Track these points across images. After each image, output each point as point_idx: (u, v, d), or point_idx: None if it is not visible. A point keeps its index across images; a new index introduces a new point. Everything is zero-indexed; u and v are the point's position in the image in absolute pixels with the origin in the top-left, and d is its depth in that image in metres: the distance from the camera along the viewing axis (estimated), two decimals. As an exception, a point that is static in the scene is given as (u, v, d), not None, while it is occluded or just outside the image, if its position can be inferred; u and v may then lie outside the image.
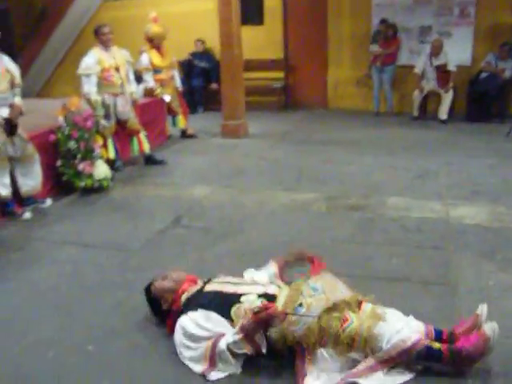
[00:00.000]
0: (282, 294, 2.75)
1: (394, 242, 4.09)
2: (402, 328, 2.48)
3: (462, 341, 2.43)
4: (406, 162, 6.43)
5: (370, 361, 2.45)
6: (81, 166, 5.28)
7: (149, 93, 7.58)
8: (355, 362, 2.49)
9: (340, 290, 2.69)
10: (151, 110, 7.41)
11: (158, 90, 7.61)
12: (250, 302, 2.67)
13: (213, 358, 2.53)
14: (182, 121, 8.16)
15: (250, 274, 3.19)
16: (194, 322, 2.64)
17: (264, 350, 2.52)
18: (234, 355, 2.53)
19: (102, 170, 5.47)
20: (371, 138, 8.03)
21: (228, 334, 2.55)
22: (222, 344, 2.51)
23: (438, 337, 2.61)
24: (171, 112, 8.03)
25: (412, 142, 7.62)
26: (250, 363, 2.59)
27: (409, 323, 2.62)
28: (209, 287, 2.88)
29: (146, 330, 2.97)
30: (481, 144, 7.40)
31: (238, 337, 2.47)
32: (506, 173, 5.88)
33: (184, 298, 2.87)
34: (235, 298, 2.72)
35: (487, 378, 2.47)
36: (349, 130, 8.60)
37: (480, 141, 7.60)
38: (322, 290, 2.68)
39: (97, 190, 5.41)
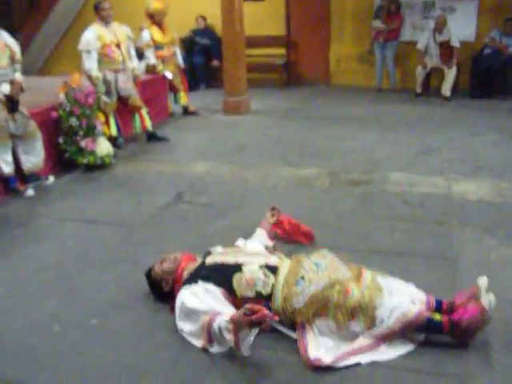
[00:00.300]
0: (284, 265, 2.77)
1: (397, 217, 4.09)
2: (402, 301, 2.50)
3: (460, 312, 2.44)
4: (408, 138, 6.41)
5: (372, 337, 2.47)
6: (83, 143, 5.27)
7: (150, 69, 7.52)
8: (355, 335, 2.51)
9: (341, 270, 2.70)
10: (153, 87, 7.37)
11: (160, 67, 7.55)
12: (252, 272, 2.69)
13: (209, 335, 2.52)
14: (183, 98, 8.11)
15: (240, 243, 3.21)
16: (193, 295, 2.64)
17: (245, 352, 2.36)
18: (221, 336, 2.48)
19: (104, 147, 5.46)
20: (374, 114, 8.00)
21: (223, 314, 2.48)
22: (216, 325, 2.45)
23: (439, 307, 2.64)
24: (173, 89, 7.98)
25: (415, 119, 7.60)
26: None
27: (410, 292, 2.66)
28: (209, 260, 2.89)
29: (149, 303, 2.99)
30: (484, 120, 7.36)
31: (228, 325, 2.38)
32: (509, 149, 5.88)
33: (185, 275, 2.88)
34: (236, 268, 2.73)
35: (488, 349, 2.49)
36: (351, 107, 8.56)
37: (483, 117, 7.57)
38: (324, 267, 2.69)
39: (99, 166, 5.41)
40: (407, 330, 2.45)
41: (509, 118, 7.45)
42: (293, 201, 4.49)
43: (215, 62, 10.34)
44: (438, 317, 2.46)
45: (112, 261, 3.50)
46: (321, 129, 7.05)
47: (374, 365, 2.42)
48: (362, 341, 2.49)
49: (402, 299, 2.51)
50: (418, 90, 9.32)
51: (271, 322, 2.24)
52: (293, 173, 5.23)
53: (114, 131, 6.11)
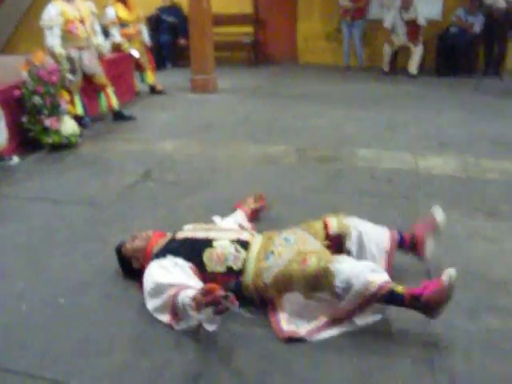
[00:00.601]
0: (255, 241, 2.76)
1: (364, 192, 4.13)
2: (362, 270, 2.44)
3: (422, 288, 2.41)
4: (376, 116, 6.46)
5: (341, 311, 2.48)
6: (47, 122, 5.16)
7: (116, 48, 7.40)
8: (323, 310, 2.52)
9: (311, 243, 2.72)
10: (119, 66, 7.25)
11: (126, 45, 7.44)
12: (223, 247, 2.68)
13: (174, 310, 2.49)
14: (150, 76, 8.02)
15: (217, 220, 3.21)
16: (161, 268, 2.62)
17: (209, 329, 2.34)
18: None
19: (69, 126, 5.36)
20: (341, 92, 8.03)
21: (189, 289, 2.44)
22: (180, 300, 2.41)
23: (402, 242, 2.83)
24: (139, 68, 7.87)
25: (382, 96, 7.65)
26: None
27: (377, 233, 2.84)
28: (179, 235, 2.87)
29: (117, 280, 2.97)
30: (450, 97, 7.47)
31: (191, 303, 2.35)
32: (474, 125, 5.98)
33: (155, 250, 2.86)
34: (207, 243, 2.72)
35: (453, 319, 2.54)
36: (319, 85, 8.58)
37: (449, 94, 7.67)
38: (294, 242, 2.70)
39: (65, 146, 5.31)
40: (372, 302, 2.43)
41: (474, 95, 7.58)
42: (261, 178, 4.49)
43: (182, 41, 10.20)
44: (400, 289, 2.42)
45: (79, 240, 3.46)
46: (288, 106, 7.05)
47: (343, 334, 2.46)
48: (331, 315, 2.50)
49: (363, 269, 2.45)
50: (386, 69, 9.38)
51: (226, 303, 2.20)
52: (261, 150, 5.22)
53: (79, 110, 6.00)
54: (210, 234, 2.80)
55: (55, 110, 5.23)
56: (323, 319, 2.51)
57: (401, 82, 8.69)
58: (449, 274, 2.37)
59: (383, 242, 2.82)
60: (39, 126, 5.17)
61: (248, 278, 2.61)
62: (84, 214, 3.85)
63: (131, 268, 2.95)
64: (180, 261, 2.65)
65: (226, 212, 3.49)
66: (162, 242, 2.90)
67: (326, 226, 2.85)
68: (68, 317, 2.66)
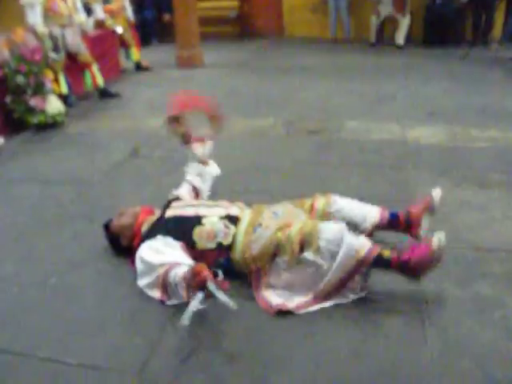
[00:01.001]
0: (245, 216, 2.74)
1: (353, 163, 4.12)
2: (347, 235, 2.42)
3: (409, 252, 2.41)
4: (363, 87, 6.43)
5: (328, 287, 2.45)
6: (32, 102, 5.09)
7: (99, 25, 7.27)
8: (311, 283, 2.49)
9: (298, 216, 2.71)
10: (103, 43, 7.14)
11: (109, 22, 7.32)
12: (212, 223, 2.66)
13: (165, 287, 2.50)
14: (135, 53, 7.92)
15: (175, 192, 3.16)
16: (152, 250, 2.61)
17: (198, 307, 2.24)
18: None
19: (54, 106, 5.29)
20: (329, 64, 7.98)
21: (180, 267, 2.43)
22: (171, 278, 2.43)
23: (396, 220, 2.78)
24: (124, 44, 7.77)
25: (369, 68, 7.61)
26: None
27: (365, 209, 2.82)
28: (169, 212, 2.84)
29: (107, 259, 2.95)
30: (437, 68, 7.44)
31: (182, 282, 2.37)
32: (461, 95, 5.97)
33: (144, 229, 2.84)
34: (196, 221, 2.69)
35: (444, 287, 2.56)
36: (306, 57, 8.51)
37: (436, 65, 7.65)
38: (281, 215, 2.69)
39: (51, 126, 5.25)
40: (361, 268, 2.41)
41: (461, 65, 7.56)
42: (249, 151, 4.48)
43: (167, 16, 10.07)
44: (387, 253, 2.43)
45: (68, 219, 3.43)
46: (275, 80, 7.00)
47: (333, 305, 2.47)
48: (320, 292, 2.47)
49: (348, 234, 2.43)
50: (372, 40, 9.32)
51: (213, 290, 2.17)
52: (248, 123, 5.19)
53: (64, 89, 5.91)
54: (199, 211, 2.77)
55: (39, 90, 5.15)
56: (311, 295, 2.50)
57: (388, 53, 8.65)
58: (438, 237, 2.38)
59: (372, 218, 2.82)
60: (24, 106, 5.10)
61: (237, 252, 2.60)
62: (72, 193, 3.81)
63: (120, 245, 2.94)
64: (170, 240, 2.63)
65: (213, 187, 3.46)
66: (150, 220, 2.88)
67: (311, 209, 2.83)
68: (60, 296, 2.65)
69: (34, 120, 5.13)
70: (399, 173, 3.92)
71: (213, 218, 2.69)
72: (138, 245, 2.74)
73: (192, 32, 7.87)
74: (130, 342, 2.31)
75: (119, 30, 7.43)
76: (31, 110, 5.11)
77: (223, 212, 2.76)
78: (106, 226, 2.99)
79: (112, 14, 7.40)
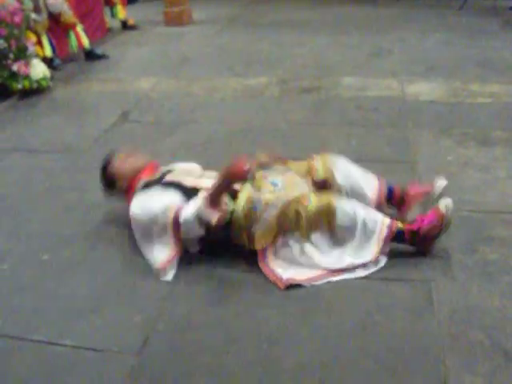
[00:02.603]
0: (243, 189, 2.54)
1: (351, 123, 4.01)
2: (364, 209, 2.42)
3: (418, 222, 2.40)
4: (358, 41, 6.24)
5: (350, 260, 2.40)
6: (15, 67, 4.87)
7: (82, -18, 6.99)
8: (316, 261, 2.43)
9: (299, 185, 2.58)
10: (86, 2, 6.82)
11: (92, -22, 7.02)
12: None
13: (178, 230, 2.41)
14: (121, 11, 7.60)
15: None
16: (150, 196, 2.52)
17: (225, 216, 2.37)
18: (200, 224, 2.37)
19: (39, 70, 5.07)
20: (323, 17, 7.72)
21: (189, 204, 2.39)
22: (188, 212, 2.35)
23: (390, 195, 2.66)
24: (109, 2, 7.45)
25: (364, 20, 7.37)
26: (212, 256, 2.56)
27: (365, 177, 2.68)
28: (169, 177, 2.69)
29: (101, 231, 2.85)
30: (434, 19, 7.22)
31: (205, 204, 2.32)
32: (460, 48, 5.80)
33: (141, 183, 2.70)
34: (195, 193, 2.53)
35: (448, 252, 2.50)
36: (298, 11, 8.24)
37: (433, 16, 7.42)
38: (281, 186, 2.55)
39: (36, 91, 5.04)
40: (387, 243, 2.40)
41: (458, 16, 7.33)
42: (242, 112, 4.34)
43: (152, -29, 9.71)
44: (401, 225, 2.42)
45: (58, 190, 3.31)
46: (268, 35, 6.78)
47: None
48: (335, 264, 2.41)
49: (364, 208, 2.42)
50: (366, -10, 9.04)
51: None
52: (241, 83, 5.02)
53: (48, 51, 5.68)
54: (200, 183, 2.62)
55: (22, 54, 4.93)
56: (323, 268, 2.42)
57: (383, 5, 8.37)
58: (445, 203, 2.37)
59: (370, 190, 2.66)
60: (6, 72, 4.87)
61: (236, 229, 2.47)
62: (61, 163, 3.69)
63: (111, 187, 2.82)
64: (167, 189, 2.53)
65: (208, 150, 3.35)
66: (148, 179, 2.72)
67: (311, 171, 2.66)
68: (53, 274, 2.56)
69: (18, 86, 4.91)
70: (399, 132, 3.81)
71: None
72: (131, 199, 2.62)
73: (180, -13, 7.59)
74: (127, 321, 2.23)
75: (103, -14, 7.14)
76: (14, 76, 4.89)
77: None
78: (106, 162, 2.87)
79: (95, -30, 7.10)
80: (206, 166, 2.94)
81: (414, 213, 2.60)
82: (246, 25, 7.55)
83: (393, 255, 2.47)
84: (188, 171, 2.83)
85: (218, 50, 6.30)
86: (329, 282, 2.36)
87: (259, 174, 2.63)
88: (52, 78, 5.25)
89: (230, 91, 4.84)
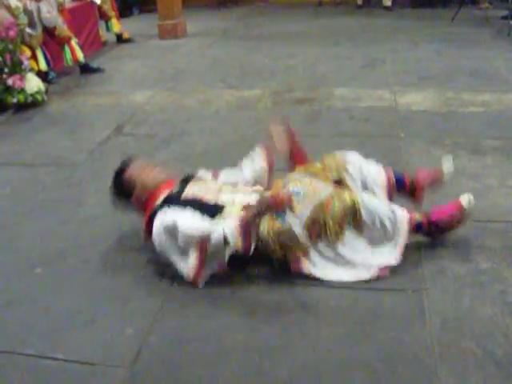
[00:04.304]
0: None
1: (344, 133, 4.03)
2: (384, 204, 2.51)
3: (437, 212, 2.52)
4: (351, 52, 6.29)
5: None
6: (10, 81, 4.90)
7: (76, -4, 7.04)
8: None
9: (320, 189, 2.56)
10: (81, 15, 6.90)
11: (87, -7, 7.07)
12: (233, 215, 2.45)
13: (203, 251, 2.35)
14: (115, 25, 7.67)
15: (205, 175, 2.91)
16: (176, 215, 2.41)
17: (251, 251, 2.39)
18: (225, 244, 2.34)
19: (34, 84, 5.11)
20: (315, 29, 7.80)
21: (218, 228, 2.33)
22: (216, 235, 2.30)
23: (401, 185, 2.70)
24: (103, 16, 7.51)
25: (357, 31, 7.45)
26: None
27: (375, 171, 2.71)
28: (188, 191, 2.62)
29: (94, 245, 2.85)
30: (426, 29, 7.31)
31: (236, 228, 2.30)
32: (452, 58, 5.86)
33: (160, 199, 2.59)
34: (216, 211, 2.49)
35: (443, 262, 2.51)
36: (291, 23, 8.32)
37: (425, 26, 7.51)
38: (303, 194, 2.52)
39: (31, 105, 5.07)
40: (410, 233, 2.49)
41: (450, 27, 7.42)
42: (236, 124, 4.37)
43: (147, -16, 9.77)
44: (418, 217, 2.51)
45: (53, 204, 3.32)
46: (261, 47, 6.84)
47: (331, 286, 2.40)
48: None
49: (389, 207, 2.49)
50: (359, 2, 9.15)
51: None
52: (234, 95, 5.06)
53: (42, 65, 5.72)
54: (220, 198, 2.57)
55: (17, 68, 4.96)
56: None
57: (375, 16, 8.47)
58: (468, 198, 2.51)
59: (381, 181, 2.70)
60: (1, 86, 4.89)
61: (265, 242, 2.44)
62: (56, 176, 3.70)
63: (126, 195, 2.69)
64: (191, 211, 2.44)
65: (201, 163, 3.35)
66: (168, 193, 2.65)
67: (326, 172, 2.69)
68: (47, 287, 2.55)
69: (13, 100, 4.94)
70: (391, 141, 3.84)
71: (233, 208, 2.51)
72: (148, 217, 2.53)
73: (174, 1, 7.64)
74: (119, 334, 2.23)
75: (97, 0, 7.18)
76: (9, 90, 4.92)
77: (244, 201, 2.56)
78: (122, 168, 2.73)
79: (89, -16, 7.15)
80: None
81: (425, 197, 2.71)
82: (240, 37, 7.60)
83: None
84: (205, 183, 2.75)
85: (211, 62, 6.34)
86: (317, 292, 2.38)
87: (277, 183, 2.66)
88: (47, 92, 5.28)
89: (223, 103, 4.87)
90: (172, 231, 2.39)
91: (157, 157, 3.84)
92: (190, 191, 2.62)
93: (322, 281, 2.43)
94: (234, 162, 3.58)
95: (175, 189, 2.67)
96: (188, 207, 2.45)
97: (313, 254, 2.48)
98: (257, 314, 2.28)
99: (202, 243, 2.34)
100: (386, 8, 8.78)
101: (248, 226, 2.35)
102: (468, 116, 4.17)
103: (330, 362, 2.01)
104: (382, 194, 2.65)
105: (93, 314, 2.35)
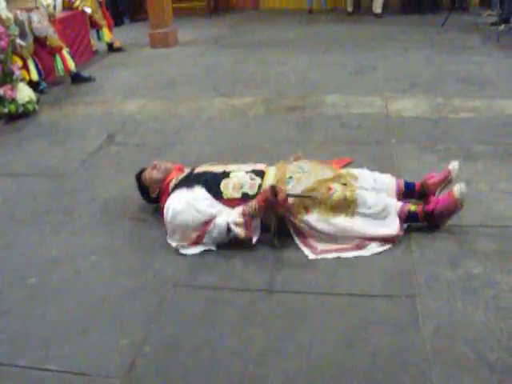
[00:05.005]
0: (270, 170, 2.93)
1: (336, 140, 4.04)
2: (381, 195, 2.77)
3: (433, 203, 2.72)
4: (342, 59, 6.32)
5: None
6: (1, 91, 4.89)
7: (67, 6, 7.03)
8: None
9: (324, 170, 2.88)
10: (72, 25, 6.90)
11: (78, 2, 7.06)
12: (239, 177, 2.85)
13: (202, 234, 2.71)
14: (107, 34, 7.66)
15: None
16: (184, 200, 2.74)
17: (254, 240, 2.69)
18: (228, 233, 2.69)
19: (25, 94, 5.09)
20: (306, 36, 7.84)
21: (224, 214, 2.70)
22: (221, 220, 2.67)
23: (411, 190, 2.95)
24: (94, 25, 7.51)
25: (347, 38, 7.49)
26: (198, 276, 2.60)
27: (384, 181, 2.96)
28: (198, 169, 3.02)
29: (87, 254, 2.84)
30: (416, 36, 7.35)
31: (239, 219, 2.64)
32: (442, 63, 5.89)
33: (172, 184, 2.96)
34: (224, 175, 2.87)
35: (435, 268, 2.52)
36: (282, 30, 8.35)
37: (415, 32, 7.55)
38: (308, 169, 2.87)
39: (22, 115, 5.05)
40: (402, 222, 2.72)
41: (440, 33, 7.45)
42: (228, 132, 4.38)
43: (137, -7, 9.78)
44: (413, 208, 2.74)
45: (44, 214, 3.31)
46: (252, 55, 6.86)
47: (324, 292, 2.41)
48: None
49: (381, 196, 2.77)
50: (349, 9, 9.18)
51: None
52: (227, 103, 5.06)
53: (34, 75, 5.70)
54: (227, 168, 2.97)
55: (8, 78, 4.95)
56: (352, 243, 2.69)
57: (366, 23, 8.52)
58: (459, 187, 2.67)
59: (389, 183, 2.97)
60: (-8, 96, 4.91)
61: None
62: (47, 186, 3.68)
63: (149, 195, 3.10)
64: (198, 190, 2.77)
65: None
66: (179, 176, 3.01)
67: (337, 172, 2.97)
68: (40, 298, 2.54)
69: (4, 110, 4.93)
70: (383, 148, 3.85)
71: (239, 173, 2.88)
72: (166, 198, 2.87)
73: (165, 9, 7.66)
74: (114, 344, 2.22)
75: (88, 10, 7.18)
76: (0, 100, 4.90)
77: (249, 168, 2.96)
78: (139, 175, 3.13)
79: (80, -7, 7.15)
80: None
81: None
82: (231, 45, 7.63)
83: (377, 271, 2.50)
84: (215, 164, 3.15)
85: (203, 70, 6.35)
86: (310, 296, 2.38)
87: (285, 162, 3.04)
88: (38, 102, 5.27)
89: (215, 111, 4.88)
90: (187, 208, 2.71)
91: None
92: (200, 168, 3.04)
93: (314, 288, 2.43)
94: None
95: (186, 170, 3.08)
96: (200, 185, 2.80)
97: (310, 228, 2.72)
98: (251, 322, 2.27)
99: (206, 224, 2.69)
100: (376, 15, 8.83)
101: (250, 218, 2.65)
102: (459, 122, 4.19)
103: (324, 368, 2.01)
104: (390, 193, 2.91)
105: (86, 325, 2.34)
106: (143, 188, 3.12)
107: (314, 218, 2.69)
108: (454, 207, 2.67)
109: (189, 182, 2.87)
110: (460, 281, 2.41)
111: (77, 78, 6.20)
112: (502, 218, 2.86)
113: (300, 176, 2.81)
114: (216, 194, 2.78)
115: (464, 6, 8.73)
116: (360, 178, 2.90)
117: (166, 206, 2.79)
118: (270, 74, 5.94)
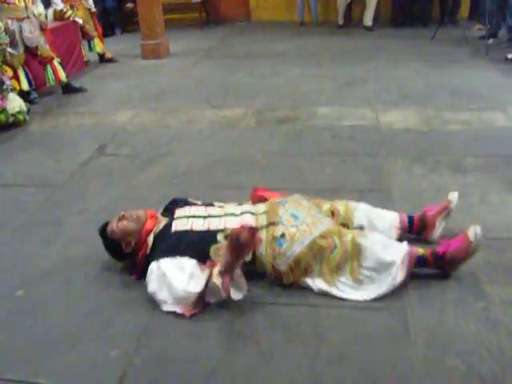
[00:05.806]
0: (261, 223, 2.53)
1: (326, 152, 4.05)
2: (386, 244, 2.46)
3: (444, 245, 2.47)
4: (333, 71, 6.36)
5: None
6: (-9, 101, 4.89)
7: (59, 16, 7.03)
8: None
9: (320, 220, 2.56)
10: (64, 35, 6.91)
11: (69, 13, 7.07)
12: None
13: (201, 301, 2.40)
14: (98, 44, 7.69)
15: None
16: (169, 270, 2.40)
17: (240, 296, 2.35)
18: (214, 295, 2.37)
19: (15, 104, 5.08)
20: (297, 49, 7.88)
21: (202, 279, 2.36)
22: (198, 287, 2.34)
23: (410, 223, 2.74)
24: (86, 36, 7.53)
25: (338, 51, 7.54)
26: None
27: (387, 217, 2.74)
28: (177, 224, 2.58)
29: (77, 266, 2.81)
30: (406, 48, 7.42)
31: (217, 280, 2.28)
32: (432, 76, 5.95)
33: (150, 239, 2.59)
34: (210, 238, 2.48)
35: (426, 278, 2.52)
36: (274, 43, 8.40)
37: (406, 46, 7.62)
38: (302, 219, 2.52)
39: (12, 125, 5.03)
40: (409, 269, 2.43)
41: (430, 46, 7.53)
42: (219, 143, 4.38)
43: (129, 5, 9.78)
44: (421, 251, 2.47)
45: (34, 225, 3.29)
46: (243, 67, 6.88)
47: (315, 305, 2.40)
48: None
49: (386, 242, 2.48)
50: (340, 22, 9.24)
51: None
52: (217, 114, 5.07)
53: (24, 85, 5.70)
54: (211, 224, 2.55)
55: (-2, 88, 4.95)
56: None
57: (357, 35, 8.58)
58: (474, 230, 2.42)
59: (391, 220, 2.73)
60: (-17, 106, 4.89)
61: (261, 266, 2.49)
62: (37, 197, 3.66)
63: (120, 251, 2.66)
64: (185, 260, 2.42)
65: (185, 182, 3.36)
66: (156, 229, 2.62)
67: (333, 213, 2.69)
68: (28, 310, 2.51)
69: (-6, 120, 4.93)
70: (374, 160, 3.86)
71: (227, 233, 2.44)
72: (143, 257, 2.57)
73: (156, 21, 7.68)
74: (104, 356, 2.20)
75: (80, 20, 7.20)
76: (-10, 110, 4.90)
77: (235, 223, 2.49)
78: (103, 231, 2.68)
79: (71, 4, 7.16)
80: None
81: (437, 231, 2.75)
82: (222, 57, 7.66)
83: (414, 277, 2.50)
84: (193, 210, 2.70)
85: (194, 82, 6.36)
86: (303, 311, 2.37)
87: (276, 205, 2.62)
88: (29, 112, 5.25)
89: (206, 123, 4.88)
90: (165, 282, 2.39)
91: (140, 177, 3.82)
92: (179, 224, 2.59)
93: (306, 300, 2.43)
94: (217, 181, 3.61)
95: (163, 222, 2.67)
96: (183, 255, 2.44)
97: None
98: (241, 335, 2.26)
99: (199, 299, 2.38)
100: (367, 28, 8.90)
101: (225, 272, 2.29)
102: (449, 134, 4.22)
103: (315, 381, 2.00)
104: (392, 233, 2.69)
105: (76, 337, 2.31)
106: (113, 244, 2.66)
107: (317, 282, 2.46)
108: (468, 251, 2.42)
109: (169, 243, 2.49)
110: (451, 292, 2.41)
111: (68, 89, 6.20)
112: (491, 230, 2.86)
113: (293, 232, 2.46)
114: (205, 259, 2.43)
115: (452, 19, 8.80)
116: (356, 217, 2.70)
117: (149, 273, 2.46)
118: (261, 85, 5.96)
